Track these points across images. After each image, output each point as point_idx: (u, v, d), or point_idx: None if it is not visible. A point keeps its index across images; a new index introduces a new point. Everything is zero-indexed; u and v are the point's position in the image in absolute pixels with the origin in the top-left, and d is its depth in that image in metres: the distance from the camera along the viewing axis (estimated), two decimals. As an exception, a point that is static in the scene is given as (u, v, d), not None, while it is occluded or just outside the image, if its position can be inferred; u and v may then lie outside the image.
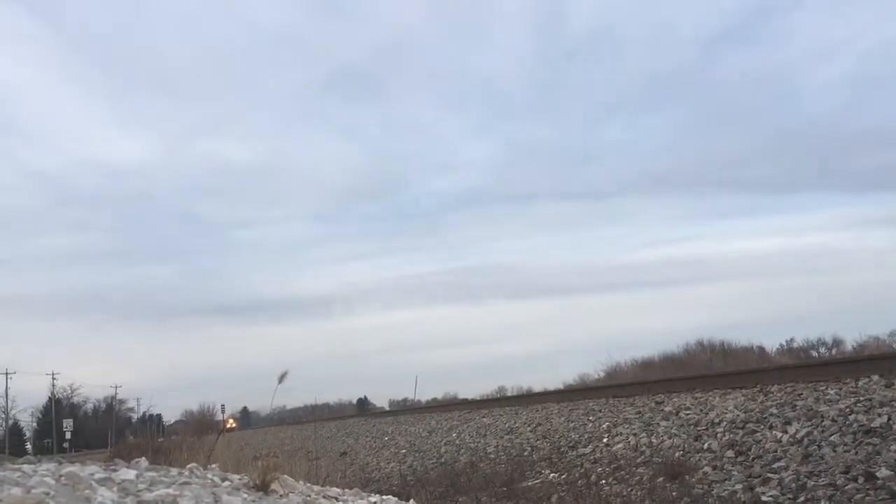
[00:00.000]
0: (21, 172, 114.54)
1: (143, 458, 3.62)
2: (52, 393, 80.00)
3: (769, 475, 6.25)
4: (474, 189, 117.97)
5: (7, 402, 75.73)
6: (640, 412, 9.81)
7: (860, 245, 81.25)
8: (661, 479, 7.17)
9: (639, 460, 8.06)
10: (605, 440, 9.27)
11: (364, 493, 4.63)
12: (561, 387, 29.29)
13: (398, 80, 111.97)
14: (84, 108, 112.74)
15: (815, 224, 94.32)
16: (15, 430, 79.94)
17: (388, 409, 49.92)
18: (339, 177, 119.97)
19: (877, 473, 5.47)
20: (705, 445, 7.53)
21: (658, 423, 8.89)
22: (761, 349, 35.01)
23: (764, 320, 68.01)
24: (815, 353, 37.10)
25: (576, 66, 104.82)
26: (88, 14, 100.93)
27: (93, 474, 2.97)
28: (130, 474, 3.09)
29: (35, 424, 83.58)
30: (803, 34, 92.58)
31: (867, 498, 5.20)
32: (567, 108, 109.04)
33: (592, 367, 38.49)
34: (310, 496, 3.82)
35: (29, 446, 77.90)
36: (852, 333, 38.31)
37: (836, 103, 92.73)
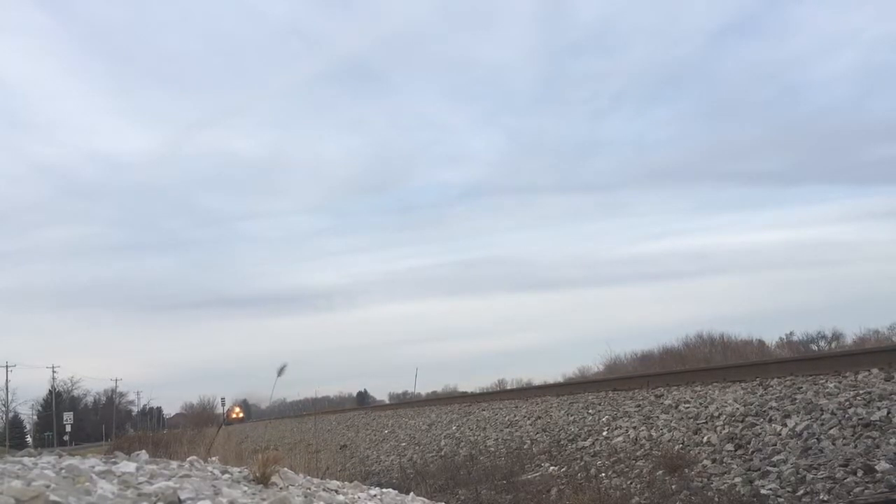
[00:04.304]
0: (25, 164, 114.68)
1: (144, 451, 3.63)
2: (53, 386, 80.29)
3: (768, 468, 6.26)
4: (478, 181, 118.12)
5: (7, 394, 75.96)
6: (639, 405, 9.82)
7: (863, 238, 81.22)
8: (660, 472, 7.18)
9: (638, 453, 8.07)
10: (604, 433, 9.29)
11: (364, 486, 4.64)
12: (561, 380, 29.31)
13: (403, 73, 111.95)
14: (88, 100, 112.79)
15: (817, 217, 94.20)
16: (15, 423, 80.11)
17: (387, 402, 49.99)
18: (343, 169, 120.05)
19: (876, 467, 5.48)
20: (705, 439, 7.54)
21: (657, 417, 8.90)
22: (761, 342, 35.03)
23: (764, 314, 68.06)
24: (814, 347, 37.14)
25: (581, 57, 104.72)
26: (94, 6, 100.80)
27: (93, 467, 2.97)
28: (131, 467, 3.09)
29: (35, 417, 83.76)
30: (809, 26, 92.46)
31: (866, 491, 5.22)
32: (572, 99, 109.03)
33: (592, 360, 38.58)
34: (310, 489, 3.83)
35: (29, 439, 78.06)
36: (852, 327, 38.41)
37: (842, 96, 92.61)
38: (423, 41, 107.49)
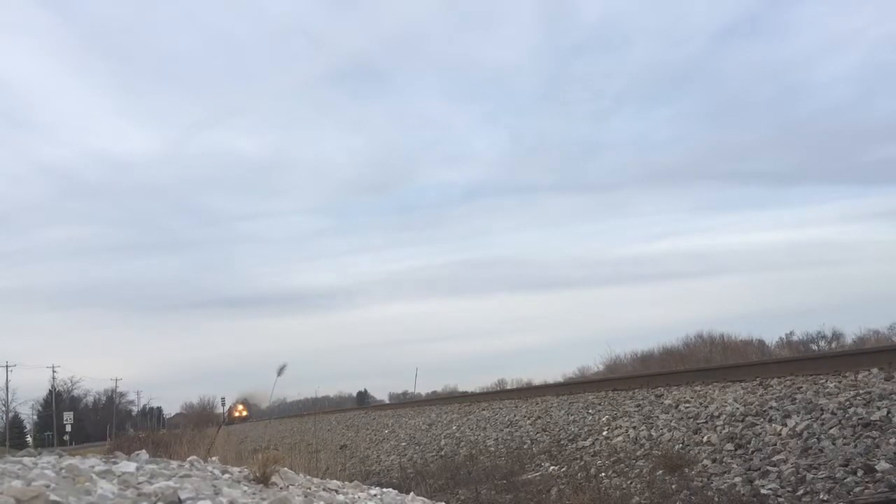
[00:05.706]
0: (25, 164, 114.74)
1: (144, 451, 3.63)
2: (53, 386, 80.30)
3: (768, 468, 6.26)
4: (480, 181, 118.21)
5: (7, 394, 75.96)
6: (639, 405, 9.82)
7: (863, 238, 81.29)
8: (660, 471, 7.18)
9: (638, 453, 8.07)
10: (604, 433, 9.29)
11: (364, 486, 4.64)
12: (561, 380, 29.32)
13: (406, 72, 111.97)
14: (89, 100, 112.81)
15: (817, 217, 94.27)
16: (15, 423, 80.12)
17: (388, 401, 49.96)
18: (344, 169, 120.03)
19: (876, 466, 5.48)
20: (705, 438, 7.54)
21: (658, 417, 8.90)
22: (761, 342, 35.11)
23: (764, 314, 68.10)
24: (814, 347, 37.14)
25: (584, 57, 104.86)
26: (95, 5, 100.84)
27: (93, 467, 2.97)
28: (131, 467, 3.09)
29: (35, 417, 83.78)
30: (810, 27, 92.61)
31: (866, 491, 5.22)
32: (574, 99, 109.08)
33: (592, 360, 38.61)
34: (310, 489, 3.83)
35: (29, 439, 78.02)
36: (852, 327, 38.45)
37: (843, 96, 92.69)
38: (426, 41, 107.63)
